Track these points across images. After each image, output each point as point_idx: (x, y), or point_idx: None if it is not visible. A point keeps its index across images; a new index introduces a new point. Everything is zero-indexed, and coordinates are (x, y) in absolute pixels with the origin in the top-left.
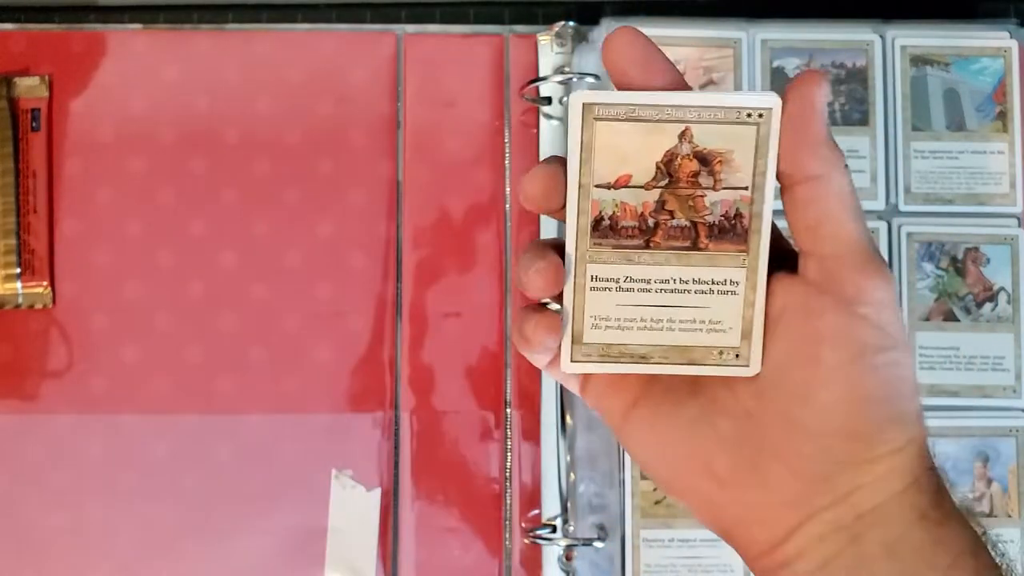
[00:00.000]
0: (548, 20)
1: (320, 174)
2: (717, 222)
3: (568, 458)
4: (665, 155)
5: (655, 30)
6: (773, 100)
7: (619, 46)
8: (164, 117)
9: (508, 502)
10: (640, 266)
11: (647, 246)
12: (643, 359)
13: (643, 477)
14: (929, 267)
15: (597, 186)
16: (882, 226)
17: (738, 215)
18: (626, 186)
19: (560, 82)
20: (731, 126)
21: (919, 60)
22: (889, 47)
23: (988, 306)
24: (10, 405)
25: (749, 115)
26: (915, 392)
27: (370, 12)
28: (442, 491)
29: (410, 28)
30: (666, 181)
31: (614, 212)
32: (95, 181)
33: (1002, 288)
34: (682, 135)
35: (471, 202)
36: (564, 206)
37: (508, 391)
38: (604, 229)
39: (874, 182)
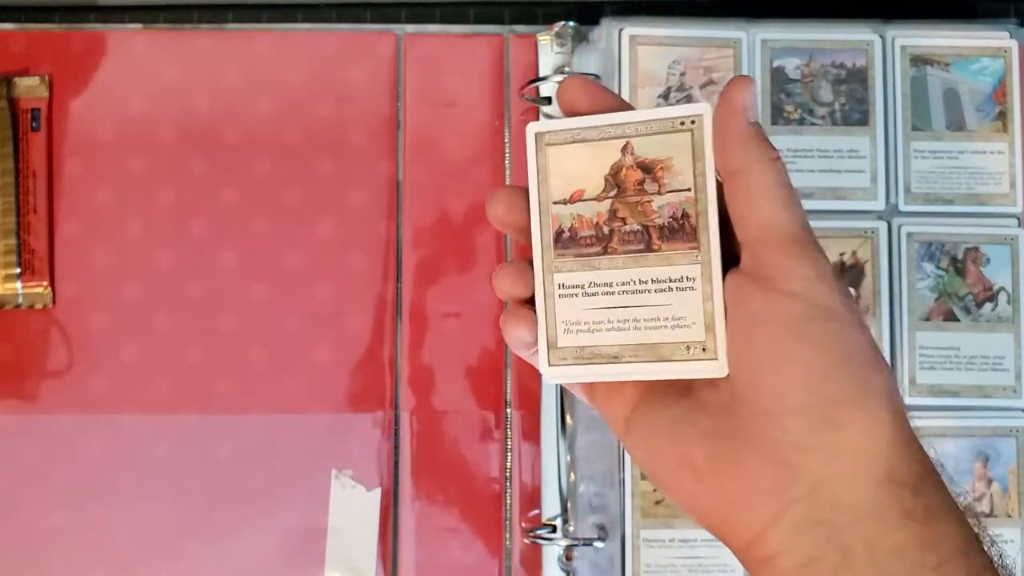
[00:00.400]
0: (548, 20)
1: (320, 174)
2: (666, 223)
3: (568, 458)
4: (611, 168)
5: (655, 30)
6: (703, 107)
7: (569, 91)
8: (164, 117)
9: (508, 502)
10: (601, 271)
11: (605, 252)
12: (615, 359)
13: (643, 477)
14: (929, 267)
15: (555, 203)
16: (882, 226)
17: (685, 215)
18: (580, 200)
19: (560, 82)
20: (668, 135)
21: (919, 60)
22: (889, 47)
23: (988, 306)
24: (10, 405)
25: (682, 123)
26: (873, 368)
27: (370, 12)
28: (442, 491)
29: (410, 28)
30: (615, 191)
31: (572, 224)
32: (95, 181)
33: (1002, 288)
34: (624, 148)
35: (471, 202)
36: (527, 224)
37: (508, 391)
38: (565, 240)
39: (874, 182)
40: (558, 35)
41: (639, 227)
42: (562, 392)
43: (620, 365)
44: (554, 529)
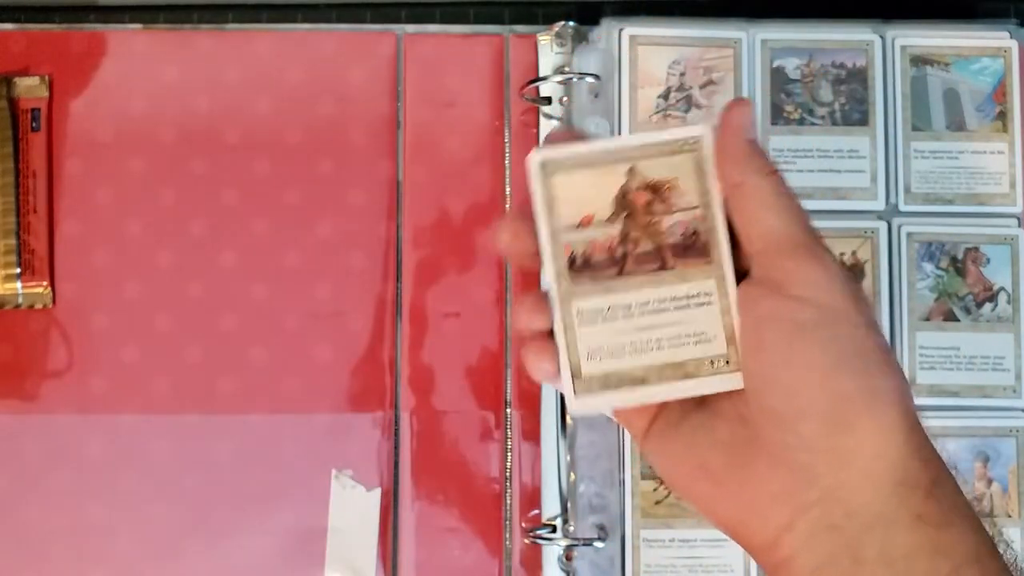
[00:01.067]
0: (548, 20)
1: (320, 174)
2: (678, 241)
3: (568, 458)
4: (619, 191)
5: (655, 30)
6: (703, 128)
7: (555, 139)
8: (164, 117)
9: (508, 502)
10: (619, 294)
11: (621, 274)
12: (642, 381)
13: (643, 477)
14: (929, 267)
15: (565, 229)
16: (882, 226)
17: (695, 232)
18: (591, 225)
19: (560, 82)
20: (672, 156)
21: (919, 60)
22: (889, 47)
23: (988, 306)
24: (10, 405)
25: (684, 144)
26: (883, 370)
27: (370, 12)
28: (442, 491)
29: (410, 28)
30: (625, 214)
31: (585, 250)
32: (95, 181)
33: (1002, 288)
34: (630, 172)
35: (471, 202)
36: (535, 250)
37: (508, 391)
38: (579, 267)
39: (874, 182)
40: (558, 35)
41: (652, 247)
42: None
43: (647, 387)
44: (554, 529)
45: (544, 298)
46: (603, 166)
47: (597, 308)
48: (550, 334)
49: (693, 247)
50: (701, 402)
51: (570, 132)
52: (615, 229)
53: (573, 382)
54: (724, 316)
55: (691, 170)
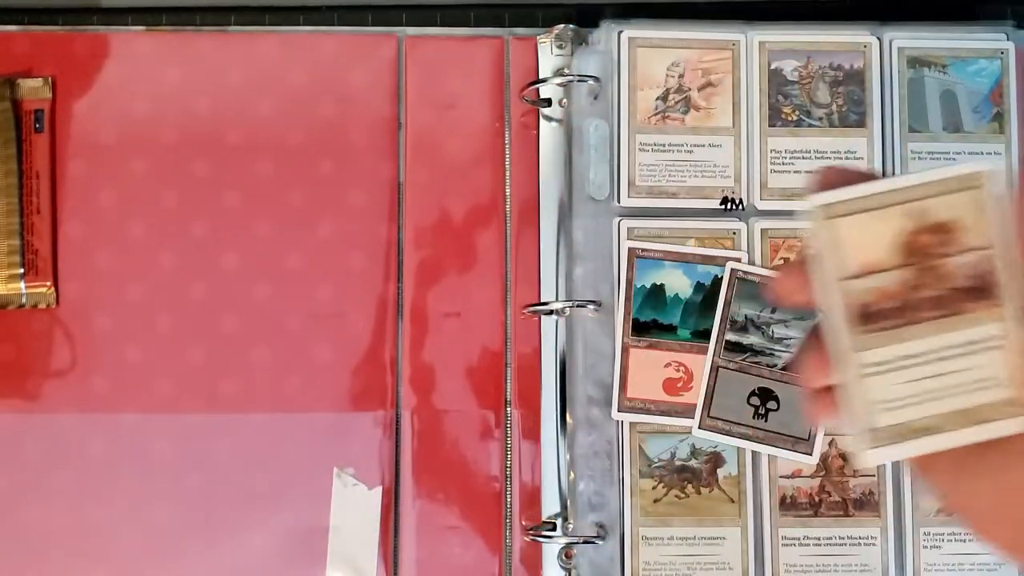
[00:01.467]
0: (548, 23)
1: (321, 175)
2: (965, 284)
3: (568, 457)
4: (901, 235)
5: (654, 32)
6: (983, 165)
7: (828, 178)
8: (167, 119)
9: (508, 501)
10: (906, 343)
11: (909, 323)
12: (933, 430)
13: (642, 476)
14: None
15: (847, 278)
16: None
17: (985, 273)
18: (874, 271)
19: (560, 84)
20: (953, 195)
21: (916, 62)
22: (886, 49)
23: None
24: (13, 404)
25: (966, 181)
26: None
27: (371, 14)
28: (443, 490)
29: (411, 30)
30: (909, 258)
31: (871, 298)
32: (98, 182)
33: None
34: (913, 213)
35: (472, 203)
36: (815, 298)
37: (508, 390)
38: (864, 317)
39: None
40: (558, 37)
41: (939, 292)
42: (562, 391)
43: (939, 436)
44: (554, 527)
45: (826, 352)
46: (880, 208)
47: (884, 359)
48: (834, 386)
49: (980, 289)
50: (994, 443)
51: (844, 171)
52: (901, 275)
53: (865, 436)
54: (1014, 358)
55: (972, 208)
